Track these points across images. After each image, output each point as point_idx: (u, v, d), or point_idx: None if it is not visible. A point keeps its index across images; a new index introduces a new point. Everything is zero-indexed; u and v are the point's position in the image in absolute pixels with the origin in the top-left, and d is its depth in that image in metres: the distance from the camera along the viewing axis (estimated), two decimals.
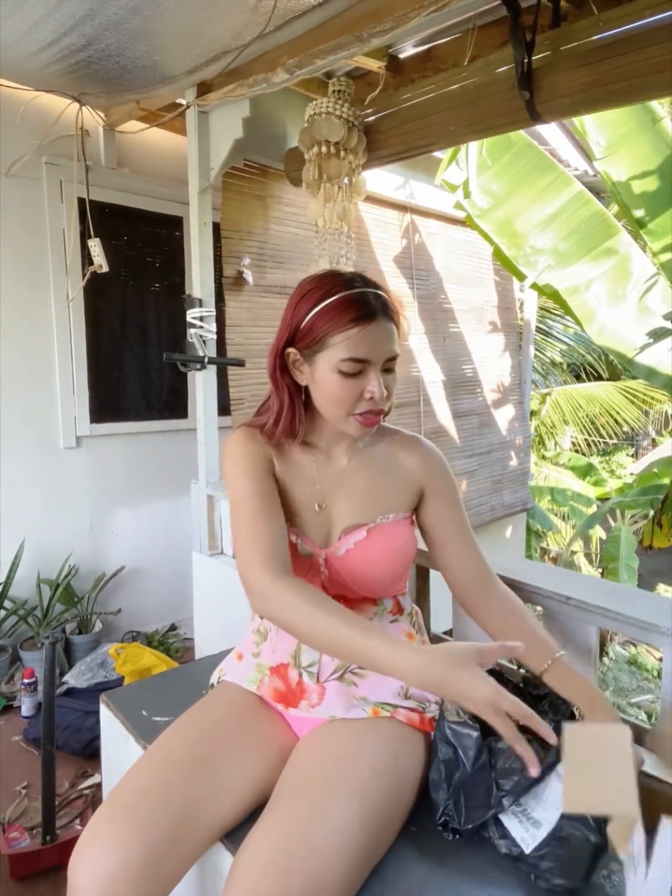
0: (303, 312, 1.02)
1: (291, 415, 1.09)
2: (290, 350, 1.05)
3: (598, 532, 5.65)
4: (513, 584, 1.35)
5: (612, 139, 2.59)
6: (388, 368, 1.03)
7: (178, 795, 0.91)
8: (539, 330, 6.28)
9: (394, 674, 0.85)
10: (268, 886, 0.77)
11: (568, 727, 0.83)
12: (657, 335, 2.84)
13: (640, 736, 1.21)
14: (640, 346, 2.92)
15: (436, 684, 0.82)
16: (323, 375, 1.02)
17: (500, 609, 1.13)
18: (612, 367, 7.17)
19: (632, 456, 9.41)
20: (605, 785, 0.76)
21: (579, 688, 1.01)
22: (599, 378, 7.10)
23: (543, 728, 0.80)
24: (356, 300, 0.99)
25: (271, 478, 1.09)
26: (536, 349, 6.17)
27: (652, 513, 3.12)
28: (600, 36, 1.60)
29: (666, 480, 4.02)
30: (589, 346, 6.80)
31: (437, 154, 2.70)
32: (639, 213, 2.70)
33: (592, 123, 2.57)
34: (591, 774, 0.78)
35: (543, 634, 1.08)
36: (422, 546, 1.22)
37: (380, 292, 1.03)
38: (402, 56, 2.32)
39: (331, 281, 1.02)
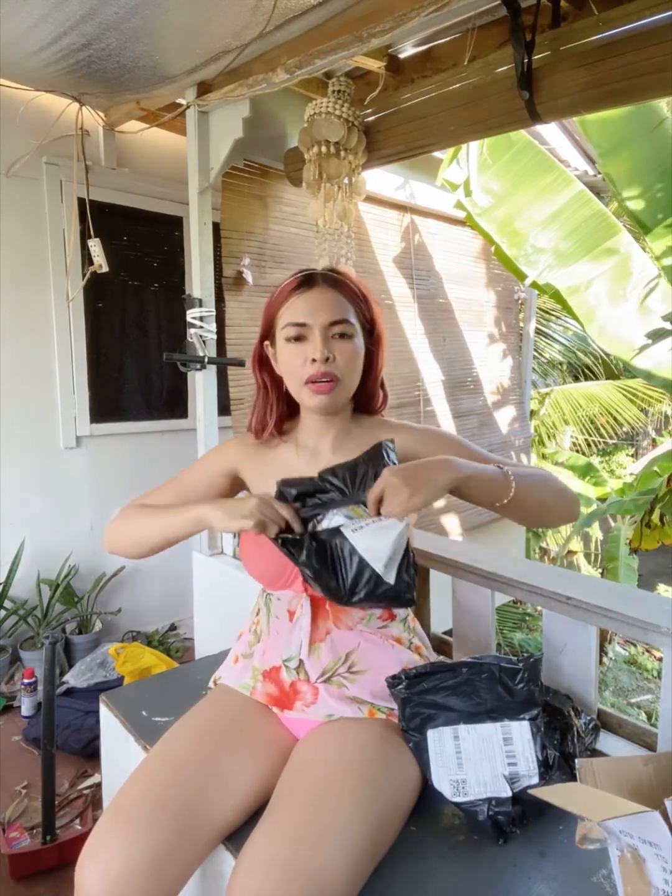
0: (267, 305, 1.11)
1: (264, 406, 1.17)
2: (266, 343, 1.13)
3: (596, 532, 5.65)
4: (513, 584, 1.35)
5: (613, 140, 2.59)
6: (337, 334, 1.05)
7: (180, 799, 0.92)
8: (537, 331, 6.28)
9: (199, 517, 1.01)
10: (271, 889, 0.77)
11: (535, 791, 0.84)
12: (656, 336, 2.84)
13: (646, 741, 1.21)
14: (640, 347, 2.91)
15: (204, 512, 1.01)
16: (280, 351, 1.09)
17: None
18: (610, 368, 7.17)
19: (632, 456, 9.40)
20: (599, 802, 0.78)
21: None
22: (597, 379, 7.10)
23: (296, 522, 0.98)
24: (299, 277, 1.07)
25: (217, 480, 1.19)
26: (535, 350, 6.17)
27: (641, 515, 3.11)
28: (600, 36, 1.60)
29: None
30: (586, 348, 6.81)
31: (437, 154, 2.70)
32: (639, 212, 2.70)
33: (594, 124, 2.57)
34: (585, 802, 0.79)
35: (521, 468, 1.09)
36: (418, 544, 1.22)
37: (330, 273, 1.08)
38: (402, 56, 2.32)
39: (292, 275, 1.10)
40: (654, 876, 0.74)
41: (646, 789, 0.88)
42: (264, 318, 1.11)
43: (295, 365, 1.06)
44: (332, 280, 1.06)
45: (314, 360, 1.03)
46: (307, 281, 1.05)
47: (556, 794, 0.81)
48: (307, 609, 1.10)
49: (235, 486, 1.20)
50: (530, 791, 0.84)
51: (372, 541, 0.95)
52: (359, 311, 1.09)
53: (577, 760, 0.86)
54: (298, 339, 1.04)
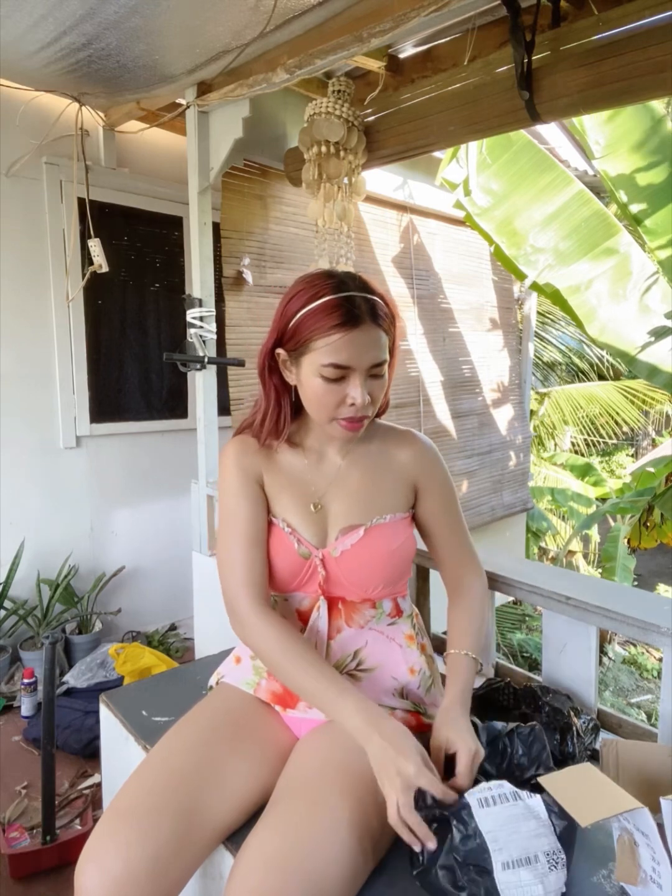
0: (290, 314, 1.01)
1: (276, 415, 1.10)
2: (279, 351, 1.05)
3: (595, 534, 5.67)
4: (513, 584, 1.35)
5: (611, 138, 2.59)
6: (374, 374, 1.01)
7: (180, 800, 0.91)
8: (536, 335, 6.29)
9: (342, 724, 0.92)
10: (268, 888, 0.77)
11: (542, 779, 0.86)
12: (658, 334, 2.84)
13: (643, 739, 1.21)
14: (642, 345, 2.92)
15: (379, 764, 0.86)
16: (307, 378, 1.01)
17: (460, 605, 1.17)
18: (607, 371, 7.19)
19: (632, 456, 9.42)
20: (599, 797, 0.81)
21: (449, 696, 1.03)
22: (600, 379, 7.11)
23: (451, 797, 0.83)
24: (341, 305, 0.97)
25: (260, 495, 1.11)
26: (535, 353, 6.18)
27: (639, 514, 3.12)
28: (600, 36, 1.60)
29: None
30: (583, 353, 6.83)
31: (436, 154, 2.70)
32: (638, 212, 2.70)
33: (591, 123, 2.57)
34: (583, 795, 0.81)
35: (470, 635, 1.11)
36: (421, 546, 1.22)
37: (370, 297, 1.00)
38: (402, 56, 2.32)
39: (320, 283, 1.00)
40: (644, 861, 0.80)
41: (666, 779, 0.91)
42: (284, 327, 1.02)
43: (328, 402, 1.01)
44: (374, 313, 0.99)
45: (352, 404, 1.00)
46: (352, 317, 0.96)
47: (559, 784, 0.83)
48: (324, 611, 1.10)
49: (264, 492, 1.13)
50: (539, 779, 0.84)
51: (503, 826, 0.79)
52: (391, 339, 1.04)
53: (602, 739, 0.87)
54: (338, 379, 0.99)
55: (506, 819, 0.81)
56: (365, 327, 0.97)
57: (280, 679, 1.04)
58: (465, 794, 0.84)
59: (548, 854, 0.79)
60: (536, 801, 0.83)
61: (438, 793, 0.82)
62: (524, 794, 0.84)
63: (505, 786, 0.84)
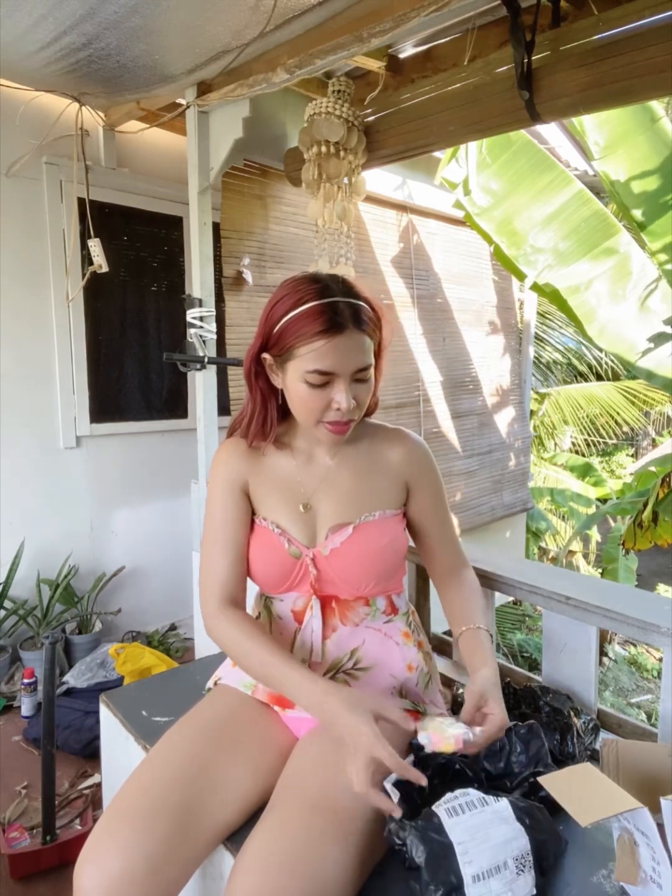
0: (275, 320, 1.01)
1: (263, 418, 1.11)
2: (265, 355, 1.05)
3: (595, 534, 5.67)
4: (513, 584, 1.35)
5: (610, 139, 2.59)
6: (359, 379, 1.02)
7: (179, 800, 0.91)
8: (536, 336, 6.30)
9: (298, 700, 0.93)
10: (268, 888, 0.77)
11: (542, 779, 0.86)
12: (658, 340, 2.84)
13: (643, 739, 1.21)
14: (642, 351, 2.92)
15: (328, 718, 0.89)
16: (292, 383, 1.02)
17: (458, 588, 1.19)
18: (606, 373, 7.19)
19: (632, 456, 9.42)
20: (599, 796, 0.81)
21: (477, 661, 1.04)
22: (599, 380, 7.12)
23: (415, 775, 0.83)
24: (324, 311, 0.97)
25: (243, 501, 1.13)
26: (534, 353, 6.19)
27: (634, 514, 3.12)
28: (600, 36, 1.61)
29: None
30: (582, 354, 6.84)
31: (436, 154, 2.70)
32: (637, 213, 2.70)
33: (590, 123, 2.57)
34: (582, 795, 0.82)
35: (475, 609, 1.14)
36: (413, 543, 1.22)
37: (354, 302, 1.00)
38: (402, 56, 2.32)
39: (304, 288, 1.00)
40: (644, 860, 0.80)
41: (666, 779, 0.91)
42: (269, 332, 1.02)
43: (314, 407, 1.01)
44: (358, 318, 0.99)
45: (338, 409, 1.01)
46: (335, 324, 0.96)
47: (559, 784, 0.83)
48: (318, 611, 1.10)
49: (248, 498, 1.15)
50: (539, 779, 0.85)
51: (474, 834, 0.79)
52: (375, 342, 1.05)
53: (602, 739, 0.87)
54: (323, 385, 1.00)
55: (475, 827, 0.81)
56: (348, 333, 0.97)
57: (242, 668, 1.06)
58: (433, 806, 0.85)
59: (516, 859, 0.80)
60: (503, 804, 0.84)
61: (392, 766, 0.82)
62: (490, 798, 0.85)
63: (471, 793, 0.86)
